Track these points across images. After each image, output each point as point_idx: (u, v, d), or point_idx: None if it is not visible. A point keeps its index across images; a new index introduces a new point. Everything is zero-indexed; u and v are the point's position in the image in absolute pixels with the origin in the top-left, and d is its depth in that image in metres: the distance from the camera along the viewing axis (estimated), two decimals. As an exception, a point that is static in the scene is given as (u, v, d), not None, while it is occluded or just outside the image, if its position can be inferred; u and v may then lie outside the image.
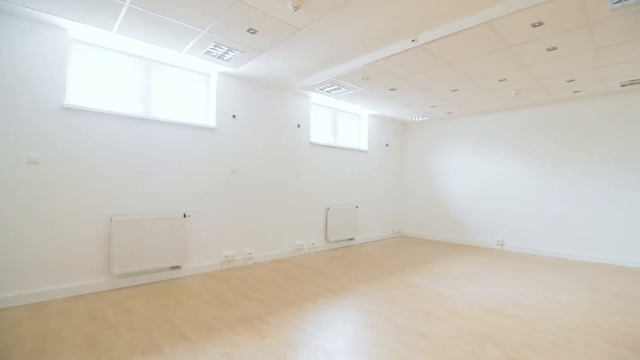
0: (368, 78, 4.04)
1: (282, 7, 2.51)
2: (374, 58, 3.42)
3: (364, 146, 6.34)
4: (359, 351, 2.08)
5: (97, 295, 3.08)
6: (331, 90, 4.59)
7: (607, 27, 2.68)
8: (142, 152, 3.52)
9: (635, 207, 4.37)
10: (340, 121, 6.03)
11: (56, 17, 2.76)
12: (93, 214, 3.19)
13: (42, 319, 2.52)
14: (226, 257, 4.14)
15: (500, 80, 4.02)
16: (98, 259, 3.21)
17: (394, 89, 4.50)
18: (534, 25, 2.67)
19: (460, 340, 2.25)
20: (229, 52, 3.39)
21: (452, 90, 4.49)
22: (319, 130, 5.64)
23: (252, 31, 2.89)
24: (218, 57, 3.53)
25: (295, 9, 2.40)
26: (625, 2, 2.32)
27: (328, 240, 5.42)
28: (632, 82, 4.00)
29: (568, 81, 3.99)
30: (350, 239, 5.86)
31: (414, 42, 3.09)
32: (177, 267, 3.71)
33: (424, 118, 6.37)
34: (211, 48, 3.28)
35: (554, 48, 3.08)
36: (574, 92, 4.44)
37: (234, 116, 4.29)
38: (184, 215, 3.77)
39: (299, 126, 5.08)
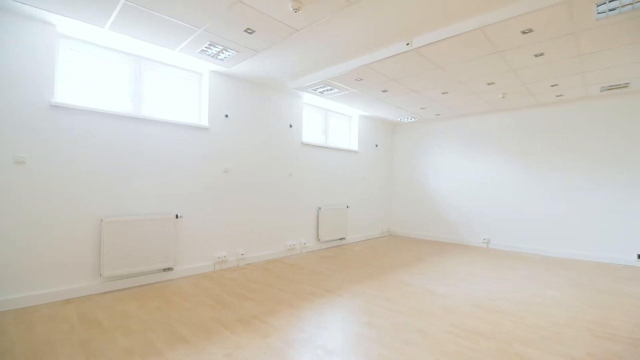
0: (361, 80, 4.09)
1: (281, 8, 2.51)
2: (368, 60, 3.47)
3: (354, 146, 6.40)
4: (360, 349, 2.12)
5: (87, 299, 2.99)
6: (324, 91, 4.62)
7: (592, 36, 2.82)
8: (133, 152, 3.44)
9: (613, 206, 4.60)
10: (331, 121, 6.06)
11: (46, 12, 2.66)
12: (83, 215, 3.10)
13: (30, 324, 2.43)
14: (219, 258, 4.10)
15: (489, 84, 4.15)
16: (88, 261, 3.12)
17: (385, 91, 4.56)
18: (524, 32, 2.78)
19: (456, 335, 2.32)
20: (224, 52, 3.36)
21: (442, 93, 4.60)
22: (311, 131, 5.66)
23: (250, 31, 2.88)
24: (212, 56, 3.50)
25: (296, 10, 2.41)
26: (609, 12, 2.44)
27: (319, 240, 5.45)
28: (612, 87, 4.21)
29: (552, 85, 4.16)
30: (341, 239, 5.91)
31: (408, 45, 3.15)
32: (169, 268, 3.65)
33: (413, 119, 6.48)
34: (206, 47, 3.25)
35: (542, 54, 3.21)
36: (557, 96, 4.63)
37: (226, 116, 4.25)
38: (176, 216, 3.71)
39: (291, 126, 5.08)
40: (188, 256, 3.85)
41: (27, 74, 2.81)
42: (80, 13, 2.65)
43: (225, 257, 4.17)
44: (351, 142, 6.46)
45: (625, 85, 4.11)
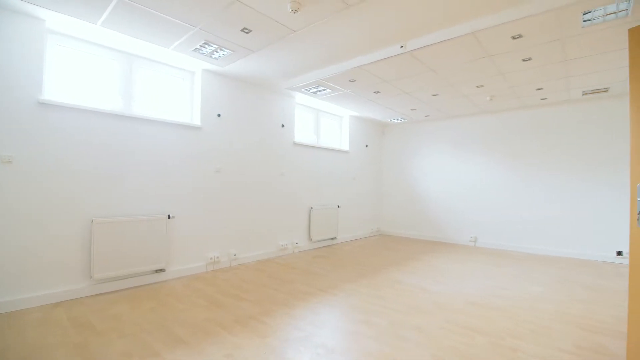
0: (355, 81, 4.13)
1: (280, 9, 2.52)
2: (363, 62, 3.51)
3: (345, 147, 6.45)
4: (359, 347, 2.15)
5: (78, 302, 2.92)
6: (317, 91, 4.64)
7: (577, 42, 2.95)
8: (125, 151, 3.37)
9: (594, 206, 4.80)
10: (323, 122, 6.09)
11: (35, 6, 2.58)
12: (72, 215, 3.02)
13: (20, 328, 2.36)
14: (211, 258, 4.07)
15: (478, 87, 4.27)
16: (78, 263, 3.04)
17: (378, 92, 4.62)
18: (514, 38, 2.88)
19: (451, 331, 2.38)
20: (219, 50, 3.33)
21: (433, 95, 4.69)
22: (302, 131, 5.67)
23: (246, 31, 2.87)
24: (206, 55, 3.46)
25: (295, 11, 2.42)
26: (594, 20, 2.56)
27: (311, 239, 5.46)
28: (593, 92, 4.39)
29: (537, 89, 4.31)
30: (333, 238, 5.94)
31: (402, 48, 3.21)
32: (161, 270, 3.60)
33: (403, 120, 6.58)
34: (200, 45, 3.21)
35: (529, 59, 3.33)
36: (541, 99, 4.80)
37: (219, 115, 4.21)
38: (169, 217, 3.66)
39: (283, 126, 5.08)
40: (180, 257, 3.80)
41: (15, 71, 2.71)
42: (72, 9, 2.58)
43: (217, 257, 4.13)
44: (342, 142, 6.51)
45: (605, 90, 4.30)
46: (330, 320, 2.57)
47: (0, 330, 2.33)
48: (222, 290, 3.31)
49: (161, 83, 3.82)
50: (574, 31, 2.74)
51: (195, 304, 2.92)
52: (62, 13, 2.65)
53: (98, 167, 3.19)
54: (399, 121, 6.69)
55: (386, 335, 2.31)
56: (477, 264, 4.48)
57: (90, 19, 2.74)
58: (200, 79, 4.01)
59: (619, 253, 4.55)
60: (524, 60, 3.36)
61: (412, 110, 5.65)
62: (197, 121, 4.03)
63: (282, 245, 4.99)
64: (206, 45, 3.22)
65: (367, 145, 7.00)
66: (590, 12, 2.45)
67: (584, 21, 2.58)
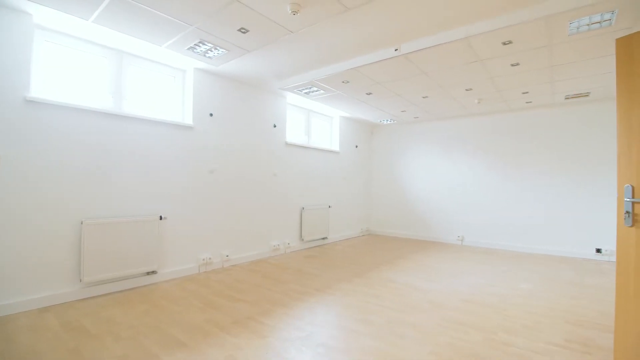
0: (348, 82, 4.17)
1: (279, 10, 2.52)
2: (357, 63, 3.55)
3: (336, 147, 6.49)
4: (359, 345, 2.18)
5: (67, 306, 2.83)
6: (309, 92, 4.65)
7: (563, 49, 3.08)
8: (115, 151, 3.30)
9: (575, 205, 5.01)
10: (313, 122, 6.11)
11: (24, 0, 2.49)
12: (61, 217, 2.93)
13: (10, 334, 2.28)
14: (203, 259, 4.02)
15: (467, 90, 4.39)
16: (67, 266, 2.95)
17: (370, 94, 4.68)
18: (504, 43, 2.98)
19: (446, 328, 2.45)
20: (214, 50, 3.30)
21: (423, 97, 4.79)
22: (294, 131, 5.67)
23: (243, 31, 2.86)
24: (200, 54, 3.42)
25: (294, 13, 2.43)
26: (580, 28, 2.68)
27: (303, 239, 5.48)
28: (575, 96, 4.59)
29: (523, 93, 4.47)
30: (324, 238, 5.97)
31: (397, 50, 3.27)
32: (153, 272, 3.53)
33: (393, 121, 6.68)
34: (195, 44, 3.18)
35: (517, 64, 3.45)
36: (527, 102, 4.98)
37: (211, 114, 4.17)
38: (160, 218, 3.60)
39: (275, 126, 5.07)
40: (172, 259, 3.74)
41: (0, 67, 2.61)
42: (64, 4, 2.50)
43: (210, 258, 4.09)
44: (332, 142, 6.54)
45: (587, 94, 4.50)
46: (329, 320, 2.60)
47: (-12, 336, 2.24)
48: (216, 291, 3.28)
49: (152, 81, 3.74)
50: (562, 38, 2.86)
51: (190, 305, 2.88)
52: (53, 8, 2.57)
53: (88, 167, 3.11)
54: (388, 122, 6.78)
55: (385, 334, 2.35)
56: (465, 262, 4.61)
57: (82, 15, 2.66)
58: (192, 77, 3.95)
59: (598, 250, 4.77)
60: (512, 65, 3.48)
61: (402, 111, 5.74)
62: (189, 120, 3.97)
63: (274, 246, 4.98)
64: (201, 44, 3.19)
65: (356, 146, 7.06)
66: (576, 20, 2.57)
67: (571, 29, 2.70)
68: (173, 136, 3.78)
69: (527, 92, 4.45)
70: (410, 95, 4.70)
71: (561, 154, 5.16)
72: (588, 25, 2.61)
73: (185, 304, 2.91)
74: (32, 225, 2.77)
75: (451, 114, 5.94)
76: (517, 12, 2.54)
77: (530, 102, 4.94)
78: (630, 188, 1.73)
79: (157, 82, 3.79)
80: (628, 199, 1.72)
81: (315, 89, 4.50)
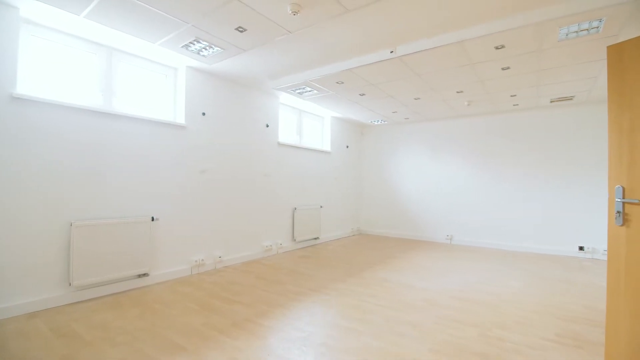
0: (342, 83, 4.18)
1: (279, 10, 2.51)
2: (353, 65, 3.57)
3: (327, 147, 6.51)
4: (360, 345, 2.20)
5: (57, 311, 2.74)
6: (302, 92, 4.65)
7: (552, 54, 3.19)
8: (105, 150, 3.20)
9: (559, 204, 5.20)
10: (305, 122, 6.10)
11: (10, -7, 2.39)
12: (49, 218, 2.83)
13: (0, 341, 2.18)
14: (196, 261, 3.96)
15: (458, 92, 4.48)
16: (55, 270, 2.85)
17: (363, 95, 4.71)
18: (497, 48, 3.06)
19: (443, 325, 2.50)
20: (208, 48, 3.25)
21: (415, 99, 4.86)
22: (286, 131, 5.65)
23: (241, 29, 2.83)
24: (194, 52, 3.37)
25: (294, 13, 2.42)
26: (569, 35, 2.79)
27: (295, 240, 5.47)
28: (559, 99, 4.76)
29: (511, 95, 4.60)
30: (315, 238, 5.97)
31: (392, 53, 3.30)
32: (145, 274, 3.45)
33: (383, 122, 6.74)
34: (190, 42, 3.12)
35: (508, 68, 3.55)
36: (514, 105, 5.12)
37: (203, 114, 4.10)
38: (152, 219, 3.52)
39: (267, 126, 5.04)
40: (164, 260, 3.67)
41: (-15, 62, 2.50)
42: (54, -2, 2.42)
43: (202, 260, 4.03)
44: (324, 143, 6.55)
45: (571, 98, 4.67)
46: (327, 319, 2.61)
47: (-26, 344, 2.14)
48: (211, 293, 3.24)
49: (143, 79, 3.66)
50: (551, 44, 2.96)
51: (186, 308, 2.84)
52: (44, 2, 2.47)
53: (77, 167, 3.01)
54: (379, 123, 6.85)
55: (384, 332, 2.38)
56: (455, 261, 4.70)
57: (74, 10, 2.57)
58: (184, 76, 3.88)
59: (581, 248, 4.97)
60: (502, 68, 3.58)
61: (393, 112, 5.81)
62: (181, 120, 3.90)
63: (266, 246, 4.95)
64: (195, 42, 3.14)
65: (347, 146, 7.10)
66: (566, 27, 2.66)
67: (560, 35, 2.79)
68: (165, 135, 3.70)
69: (514, 95, 4.59)
70: (402, 96, 4.76)
71: (547, 155, 5.34)
72: (577, 32, 2.71)
73: (180, 307, 2.86)
74: (19, 228, 2.66)
75: (441, 115, 6.05)
76: (511, 18, 2.61)
77: (517, 104, 5.09)
78: (621, 189, 1.81)
79: (148, 80, 3.70)
80: (619, 200, 1.80)
81: (308, 89, 4.50)
